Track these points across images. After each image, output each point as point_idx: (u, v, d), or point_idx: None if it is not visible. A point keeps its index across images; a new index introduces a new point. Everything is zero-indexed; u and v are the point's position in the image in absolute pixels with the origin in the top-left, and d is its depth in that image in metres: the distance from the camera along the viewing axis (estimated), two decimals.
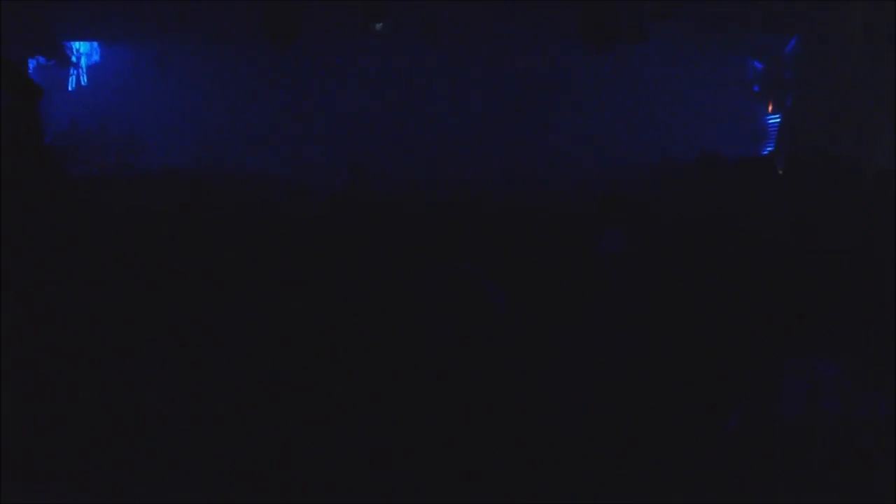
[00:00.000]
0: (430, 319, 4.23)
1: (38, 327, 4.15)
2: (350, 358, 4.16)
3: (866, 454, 3.63)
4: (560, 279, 4.67)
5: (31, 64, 19.86)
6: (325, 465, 3.76)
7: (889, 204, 9.54)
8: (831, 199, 10.27)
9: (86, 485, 3.70)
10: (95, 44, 23.08)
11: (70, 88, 22.73)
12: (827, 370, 3.74)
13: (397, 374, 4.02)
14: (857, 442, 3.63)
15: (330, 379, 4.08)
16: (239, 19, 18.17)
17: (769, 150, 20.08)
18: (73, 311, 4.36)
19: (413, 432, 3.73)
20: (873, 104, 17.17)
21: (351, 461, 3.75)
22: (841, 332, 4.35)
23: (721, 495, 3.65)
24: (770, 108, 21.51)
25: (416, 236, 6.68)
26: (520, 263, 5.11)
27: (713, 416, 3.75)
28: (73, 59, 22.33)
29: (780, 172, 14.33)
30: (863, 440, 3.64)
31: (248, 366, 4.25)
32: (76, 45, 22.45)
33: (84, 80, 23.05)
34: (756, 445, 3.66)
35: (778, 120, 20.93)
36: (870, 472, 3.61)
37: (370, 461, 3.73)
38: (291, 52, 19.97)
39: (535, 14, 18.52)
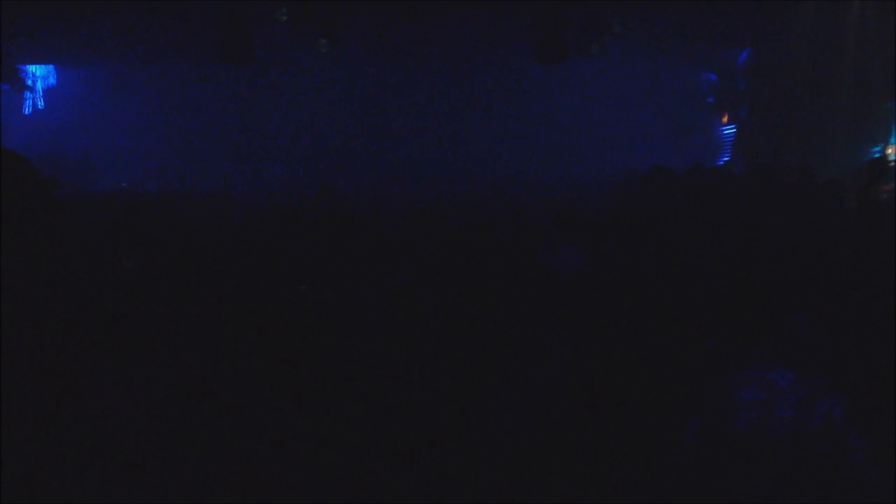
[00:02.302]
0: (368, 328, 4.28)
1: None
2: (300, 366, 4.19)
3: (823, 460, 3.68)
4: (512, 292, 4.71)
5: None
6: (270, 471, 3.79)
7: (840, 213, 9.68)
8: (785, 209, 10.39)
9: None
10: (51, 67, 22.97)
11: (26, 112, 22.60)
12: (782, 378, 3.78)
13: (338, 380, 4.06)
14: (813, 448, 3.68)
15: (281, 384, 4.12)
16: (195, 41, 18.14)
17: (725, 161, 20.28)
18: (31, 329, 4.37)
19: (353, 437, 3.76)
20: (825, 114, 17.39)
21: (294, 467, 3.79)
22: (795, 340, 4.41)
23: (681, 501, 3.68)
24: (725, 119, 21.72)
25: (371, 249, 6.71)
26: (471, 276, 5.15)
27: (670, 429, 3.79)
28: (29, 82, 22.21)
29: (735, 182, 14.46)
30: (819, 446, 3.69)
31: (200, 380, 4.26)
32: (32, 68, 22.33)
33: (40, 103, 22.92)
34: (714, 456, 3.70)
35: (733, 130, 21.13)
36: (827, 477, 3.66)
37: (313, 467, 3.76)
38: (248, 72, 19.99)
39: (490, 30, 18.60)
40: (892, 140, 16.10)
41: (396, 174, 21.59)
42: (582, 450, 3.76)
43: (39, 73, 22.85)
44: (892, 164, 14.59)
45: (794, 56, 17.94)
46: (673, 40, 18.99)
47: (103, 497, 3.74)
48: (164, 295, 5.09)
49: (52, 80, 23.17)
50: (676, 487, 3.69)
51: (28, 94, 22.53)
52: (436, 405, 3.94)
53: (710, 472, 3.68)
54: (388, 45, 19.67)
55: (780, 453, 3.67)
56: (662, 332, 4.38)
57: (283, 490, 3.76)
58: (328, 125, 23.07)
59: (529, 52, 17.86)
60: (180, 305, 4.94)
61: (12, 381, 3.90)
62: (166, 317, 4.71)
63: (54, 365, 4.11)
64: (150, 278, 5.58)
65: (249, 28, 16.60)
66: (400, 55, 20.99)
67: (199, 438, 3.97)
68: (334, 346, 4.28)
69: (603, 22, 16.63)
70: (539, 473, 3.67)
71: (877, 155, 15.72)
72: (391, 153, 22.94)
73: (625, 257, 6.41)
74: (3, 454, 3.67)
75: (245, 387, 4.13)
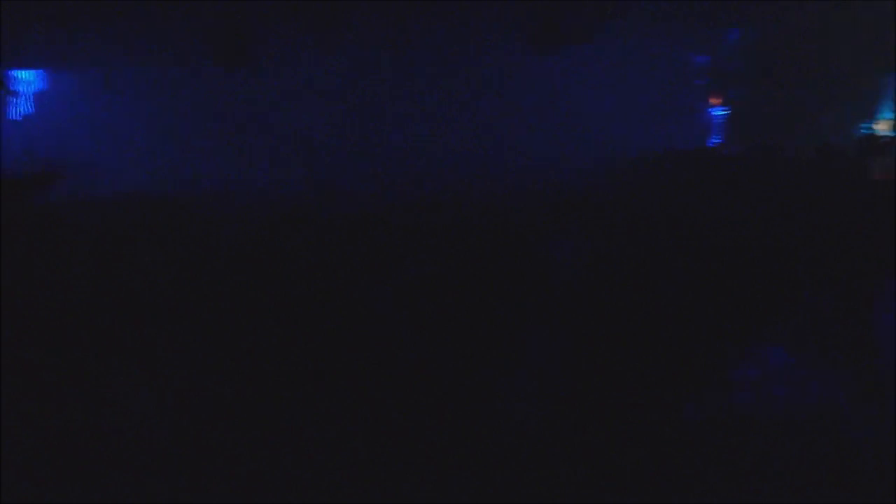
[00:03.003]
0: (391, 319, 4.32)
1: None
2: (316, 359, 4.23)
3: (818, 436, 3.74)
4: (512, 283, 4.76)
5: None
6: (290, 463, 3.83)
7: (835, 195, 9.73)
8: (778, 190, 10.43)
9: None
10: (40, 71, 22.89)
11: (17, 118, 22.53)
12: (777, 357, 3.85)
13: (361, 372, 4.09)
14: (808, 425, 3.74)
15: (297, 379, 4.15)
16: (190, 42, 18.11)
17: (717, 143, 20.29)
18: (33, 332, 4.40)
19: (380, 427, 3.80)
20: (815, 92, 17.43)
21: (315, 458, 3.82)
22: (789, 320, 4.47)
23: (682, 483, 3.74)
24: (717, 100, 21.70)
25: (374, 242, 6.73)
26: (473, 268, 5.19)
27: (670, 408, 3.84)
28: (18, 88, 22.14)
29: (728, 164, 14.50)
30: (814, 423, 3.75)
31: (212, 376, 4.30)
32: (20, 73, 22.26)
33: (30, 108, 22.85)
34: (712, 433, 3.76)
35: (725, 111, 21.12)
36: (822, 452, 3.72)
37: (335, 457, 3.80)
38: (244, 71, 19.95)
39: (482, 19, 18.57)
40: (881, 115, 16.14)
41: (394, 168, 21.54)
42: (580, 431, 3.81)
43: (28, 78, 22.77)
44: (882, 139, 14.67)
45: (784, 35, 17.96)
46: (664, 21, 18.95)
47: (106, 497, 3.78)
48: (168, 297, 5.13)
49: (41, 85, 23.10)
50: (676, 465, 3.74)
51: (17, 100, 22.46)
52: (445, 398, 4.00)
53: (708, 450, 3.74)
54: (382, 39, 19.62)
55: (776, 430, 3.73)
56: (659, 313, 4.43)
57: (295, 486, 3.80)
58: (326, 122, 23.01)
59: (523, 41, 17.84)
60: (185, 306, 4.98)
61: (13, 380, 3.95)
62: (173, 317, 4.75)
63: (56, 365, 4.15)
64: (153, 280, 5.61)
65: (242, 29, 16.57)
66: (394, 48, 20.94)
67: (207, 438, 4.00)
68: (348, 343, 4.32)
69: (593, 7, 16.61)
70: (541, 456, 3.72)
71: (866, 131, 15.77)
72: (388, 147, 22.90)
73: (621, 240, 6.45)
74: (3, 454, 3.71)
75: (255, 386, 4.17)
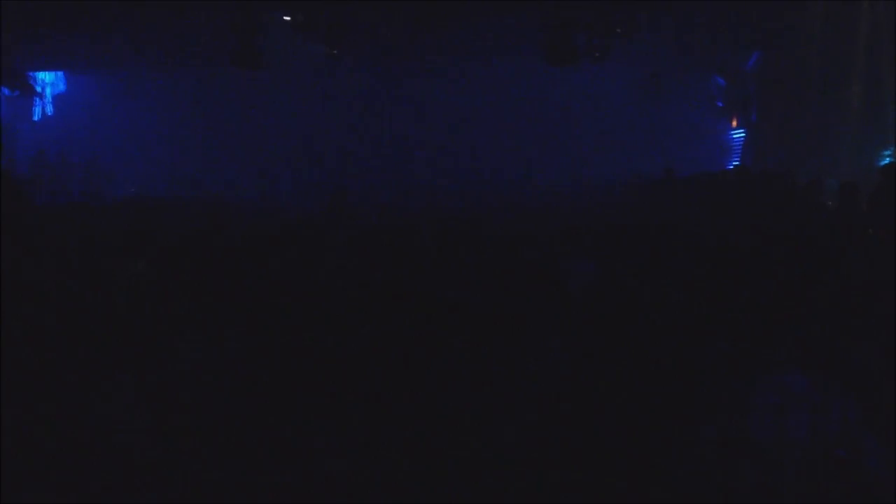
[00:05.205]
0: (415, 338, 4.29)
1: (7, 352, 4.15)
2: (327, 379, 4.19)
3: (837, 464, 3.67)
4: (522, 300, 4.71)
5: None
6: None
7: (852, 218, 9.65)
8: (797, 213, 10.36)
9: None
10: (60, 73, 23.02)
11: (35, 118, 22.64)
12: (796, 383, 3.78)
13: (375, 387, 4.06)
14: (828, 452, 3.67)
15: (308, 397, 4.12)
16: (204, 46, 18.17)
17: (734, 165, 20.23)
18: (38, 336, 4.37)
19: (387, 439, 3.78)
20: (834, 117, 17.37)
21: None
22: (808, 346, 4.40)
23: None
24: (734, 122, 21.67)
25: (388, 258, 6.69)
26: (489, 288, 5.15)
27: (686, 434, 3.78)
28: (38, 88, 22.25)
29: (746, 187, 14.43)
30: (833, 450, 3.68)
31: (219, 390, 4.27)
32: (41, 75, 22.37)
33: (49, 109, 22.97)
34: (730, 460, 3.69)
35: (742, 134, 21.08)
36: (842, 481, 3.65)
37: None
38: (257, 77, 20.00)
39: (497, 32, 18.57)
40: None
41: (403, 180, 21.53)
42: (596, 457, 3.75)
43: (48, 80, 22.90)
44: None
45: (803, 59, 17.92)
46: (682, 44, 18.92)
47: (104, 498, 3.75)
48: (174, 301, 5.08)
49: (61, 87, 23.22)
50: (693, 492, 3.68)
51: (37, 101, 22.59)
52: (444, 404, 3.96)
53: (726, 476, 3.68)
54: (397, 50, 19.64)
55: (795, 457, 3.66)
56: (677, 337, 4.37)
57: (290, 489, 3.77)
58: (338, 130, 23.04)
59: (537, 56, 17.82)
60: (190, 311, 4.94)
61: (14, 383, 3.92)
62: (176, 323, 4.71)
63: (56, 369, 4.12)
64: (159, 284, 5.57)
65: (258, 33, 16.65)
66: (408, 60, 20.97)
67: (200, 443, 3.97)
68: (351, 348, 4.28)
69: (611, 25, 16.60)
70: (552, 482, 3.67)
71: (888, 159, 15.65)
72: (397, 158, 22.91)
73: (637, 262, 6.39)
74: (3, 455, 3.69)
75: (251, 391, 4.14)
